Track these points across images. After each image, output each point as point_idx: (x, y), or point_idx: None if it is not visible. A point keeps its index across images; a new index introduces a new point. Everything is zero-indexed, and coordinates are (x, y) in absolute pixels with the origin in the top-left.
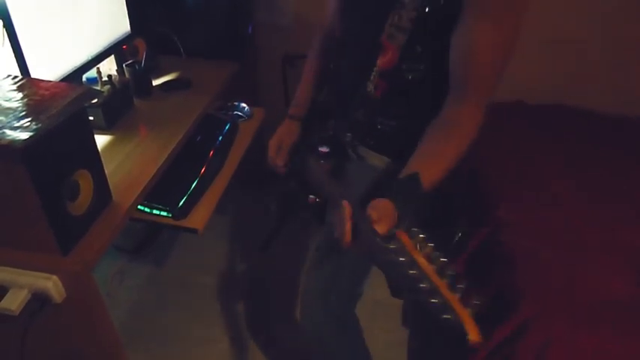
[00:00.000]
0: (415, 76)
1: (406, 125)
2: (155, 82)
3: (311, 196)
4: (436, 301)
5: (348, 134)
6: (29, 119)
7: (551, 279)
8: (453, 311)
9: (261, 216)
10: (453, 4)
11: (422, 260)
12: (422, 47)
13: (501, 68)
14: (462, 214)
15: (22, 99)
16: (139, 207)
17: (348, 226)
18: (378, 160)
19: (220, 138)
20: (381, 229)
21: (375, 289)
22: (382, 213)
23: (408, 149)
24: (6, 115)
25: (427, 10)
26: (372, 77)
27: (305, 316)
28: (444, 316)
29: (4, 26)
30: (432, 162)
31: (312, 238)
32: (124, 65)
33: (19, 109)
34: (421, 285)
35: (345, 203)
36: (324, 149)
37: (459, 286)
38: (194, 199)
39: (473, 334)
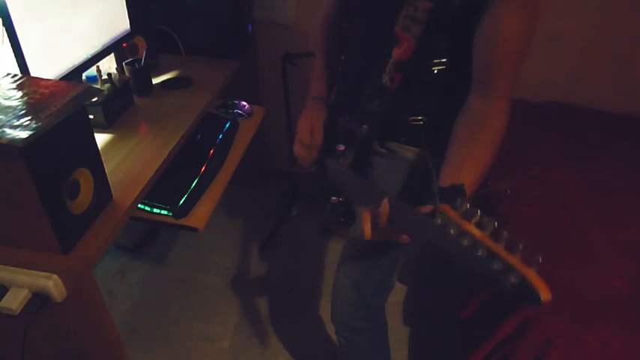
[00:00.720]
0: (430, 68)
1: (435, 120)
2: (155, 81)
3: (333, 198)
4: (498, 265)
5: (364, 126)
6: (29, 118)
7: (552, 276)
8: (518, 272)
9: (261, 214)
10: None
11: (473, 228)
12: (443, 40)
13: (525, 55)
14: None
15: (21, 97)
16: (139, 206)
17: (384, 214)
18: (409, 153)
19: (220, 136)
20: (425, 209)
21: None
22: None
23: (438, 140)
24: (6, 114)
25: (444, 4)
26: (387, 69)
27: (335, 309)
28: (511, 280)
29: (3, 24)
30: (468, 169)
31: (313, 236)
32: (123, 63)
33: (19, 107)
34: (478, 253)
35: (385, 201)
36: (340, 147)
37: (517, 246)
38: (194, 197)
39: (544, 293)
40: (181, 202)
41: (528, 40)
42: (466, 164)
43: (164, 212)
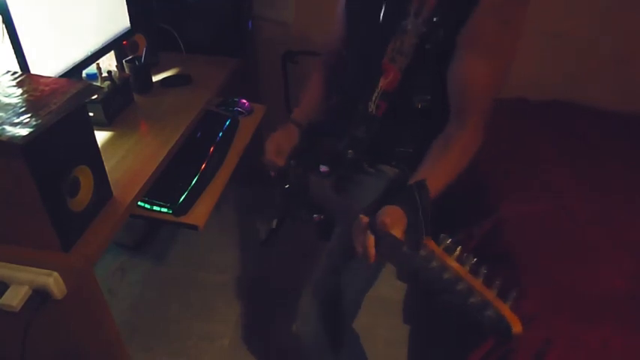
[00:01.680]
0: (413, 98)
1: (422, 148)
2: (155, 78)
3: (315, 215)
4: (475, 300)
5: (350, 151)
6: (29, 115)
7: (553, 276)
8: (493, 307)
9: (262, 211)
10: (452, 39)
11: (454, 263)
12: (427, 75)
13: (496, 93)
14: (463, 212)
15: (21, 95)
16: (139, 203)
17: (371, 239)
18: (390, 170)
19: (221, 134)
20: (396, 233)
21: (376, 286)
22: (394, 217)
23: (411, 160)
24: (6, 111)
25: (427, 46)
26: (373, 97)
27: (303, 323)
28: (486, 313)
29: (3, 22)
30: (435, 174)
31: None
32: (124, 61)
33: (19, 105)
34: (457, 287)
35: (362, 217)
36: (324, 169)
37: (494, 282)
38: (194, 195)
39: (516, 326)
40: (181, 199)
41: (498, 80)
42: (433, 170)
43: (164, 210)
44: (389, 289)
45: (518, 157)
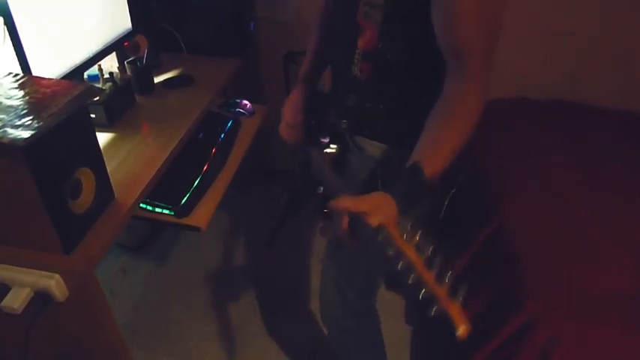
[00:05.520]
0: (395, 56)
1: (396, 110)
2: (157, 80)
3: (320, 188)
4: (425, 295)
5: (344, 121)
6: (31, 117)
7: (556, 276)
8: (440, 305)
9: (264, 212)
10: None
11: (410, 252)
12: (399, 25)
13: (490, 31)
14: (466, 212)
15: (23, 97)
16: (141, 205)
17: (345, 220)
18: (375, 149)
19: (222, 135)
20: (372, 221)
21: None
22: (375, 205)
23: (403, 135)
24: (7, 114)
25: None
26: (355, 60)
27: (324, 311)
28: (433, 311)
29: (5, 24)
30: (434, 149)
31: (316, 234)
32: (125, 62)
33: (21, 107)
34: (409, 279)
35: (342, 197)
36: (325, 139)
37: (445, 277)
38: (196, 196)
39: (461, 328)
40: (183, 201)
41: (490, 19)
42: (432, 145)
43: (166, 212)
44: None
45: (521, 156)
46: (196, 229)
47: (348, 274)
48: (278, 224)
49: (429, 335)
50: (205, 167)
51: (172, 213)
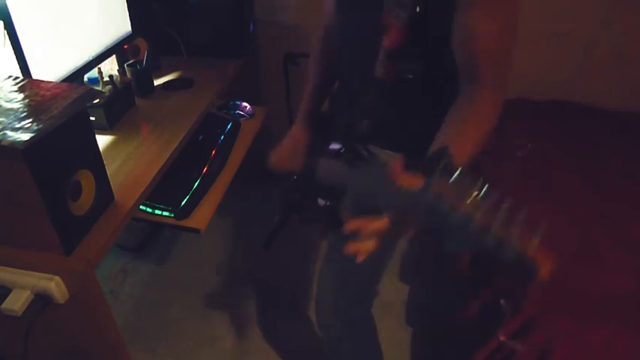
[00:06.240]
0: (414, 75)
1: (411, 115)
2: (157, 82)
3: (320, 200)
4: (492, 241)
5: (364, 121)
6: (30, 120)
7: (555, 276)
8: (512, 247)
9: (263, 214)
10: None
11: (466, 203)
12: (419, 46)
13: (507, 49)
14: None
15: (23, 100)
16: (141, 207)
17: (375, 242)
18: (388, 158)
19: (222, 137)
20: (405, 180)
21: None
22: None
23: (416, 139)
24: (7, 116)
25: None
26: (379, 59)
27: (317, 317)
28: (505, 255)
29: (4, 27)
30: (456, 141)
31: (316, 234)
32: (125, 65)
33: (21, 109)
34: (472, 224)
35: (396, 161)
36: (335, 146)
37: (515, 219)
38: (196, 198)
39: (545, 266)
40: (183, 203)
41: (504, 36)
42: (453, 138)
43: (166, 213)
44: (391, 291)
45: (521, 157)
46: (196, 230)
47: (343, 281)
48: (276, 226)
49: (429, 336)
50: (205, 169)
51: (172, 215)
